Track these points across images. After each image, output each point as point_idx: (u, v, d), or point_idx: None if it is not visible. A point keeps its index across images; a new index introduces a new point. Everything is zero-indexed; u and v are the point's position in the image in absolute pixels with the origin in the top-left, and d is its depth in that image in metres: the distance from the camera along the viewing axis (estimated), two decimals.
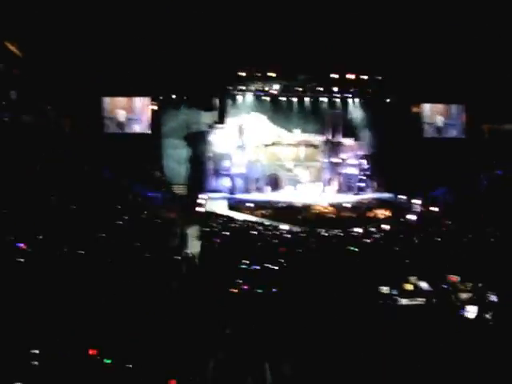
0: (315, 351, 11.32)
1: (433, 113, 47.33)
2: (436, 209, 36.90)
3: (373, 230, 31.76)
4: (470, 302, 15.11)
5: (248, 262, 19.79)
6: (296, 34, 37.50)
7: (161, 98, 44.98)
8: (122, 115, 42.92)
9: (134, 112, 43.33)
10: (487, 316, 14.27)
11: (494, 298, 15.07)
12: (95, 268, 16.48)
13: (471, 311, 14.40)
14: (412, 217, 35.59)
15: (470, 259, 20.24)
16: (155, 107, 44.50)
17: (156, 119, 44.49)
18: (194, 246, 26.37)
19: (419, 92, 43.70)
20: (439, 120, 46.95)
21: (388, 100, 48.06)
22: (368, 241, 27.03)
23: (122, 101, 43.33)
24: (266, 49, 38.39)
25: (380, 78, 45.38)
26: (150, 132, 43.87)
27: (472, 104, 44.65)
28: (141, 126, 43.44)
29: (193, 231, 31.32)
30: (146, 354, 10.54)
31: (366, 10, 37.22)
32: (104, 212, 27.21)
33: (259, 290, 16.24)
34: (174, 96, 45.07)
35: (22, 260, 15.88)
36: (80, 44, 36.09)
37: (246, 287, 16.53)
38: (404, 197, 42.55)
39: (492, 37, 38.17)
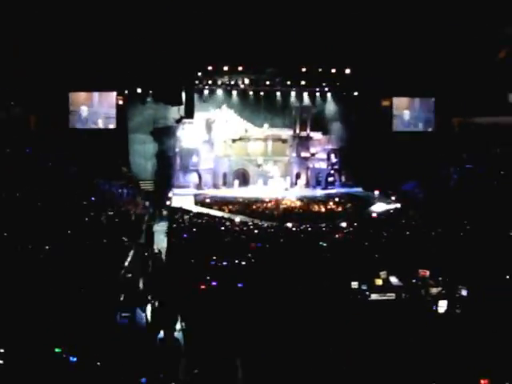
0: (284, 346, 11.08)
1: (402, 106, 47.22)
2: (406, 203, 36.81)
3: (342, 224, 31.62)
4: (441, 296, 15.02)
5: (216, 257, 19.56)
6: (264, 28, 37.09)
7: (127, 92, 44.10)
8: (87, 111, 42.10)
9: (99, 107, 42.53)
10: (457, 310, 14.21)
11: (464, 292, 15.00)
12: (59, 265, 16.20)
13: (441, 305, 14.30)
14: (381, 211, 35.48)
15: (440, 253, 20.18)
16: (121, 102, 43.63)
17: (122, 114, 43.68)
18: (160, 243, 26.09)
19: (388, 85, 43.56)
20: (408, 114, 46.90)
21: (357, 93, 47.81)
22: (337, 235, 26.91)
23: (87, 96, 42.46)
24: (234, 42, 37.91)
25: (349, 71, 45.17)
26: (115, 127, 42.99)
27: (441, 97, 44.67)
28: (107, 122, 42.64)
29: (160, 227, 30.99)
30: (113, 353, 10.28)
31: (335, 4, 36.98)
32: (70, 208, 26.69)
33: (228, 286, 16.06)
34: (140, 90, 44.32)
35: None
36: (44, 40, 35.34)
37: (214, 283, 16.33)
38: (374, 191, 42.53)
39: (460, 31, 38.26)
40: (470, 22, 37.60)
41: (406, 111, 47.07)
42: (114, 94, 43.00)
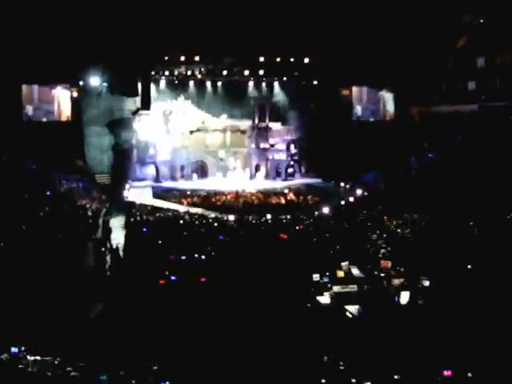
0: (246, 341, 11.18)
1: (361, 96, 47.13)
2: (366, 193, 36.72)
3: (302, 216, 31.42)
4: (403, 287, 14.98)
5: (175, 252, 19.27)
6: (221, 16, 36.66)
7: (81, 84, 43.05)
8: (41, 103, 41.04)
9: (53, 100, 41.50)
10: (419, 301, 14.20)
11: (426, 282, 14.99)
12: (16, 261, 15.92)
13: (404, 297, 14.29)
14: (342, 202, 35.33)
15: (402, 244, 20.15)
16: (75, 94, 42.59)
17: (77, 106, 42.65)
18: (118, 237, 25.58)
19: (347, 75, 43.45)
20: (367, 103, 46.85)
21: (315, 83, 47.57)
22: (298, 227, 26.72)
23: (40, 89, 41.35)
24: (191, 32, 37.36)
25: (308, 60, 44.92)
26: (70, 120, 41.96)
27: (400, 86, 44.71)
28: (61, 114, 41.69)
29: (117, 221, 30.43)
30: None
31: None
32: (25, 203, 26.02)
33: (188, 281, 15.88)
34: (94, 82, 43.37)
35: None
36: None
37: (174, 278, 16.11)
38: (333, 181, 42.43)
39: (419, 20, 38.32)
40: (428, 11, 37.67)
41: (364, 101, 46.99)
42: (68, 86, 41.96)
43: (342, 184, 40.51)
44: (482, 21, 39.35)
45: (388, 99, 46.89)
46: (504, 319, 12.03)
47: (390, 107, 46.79)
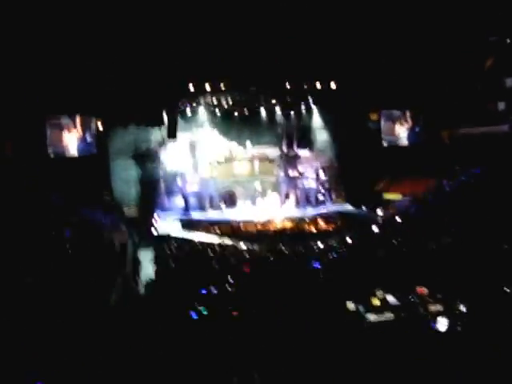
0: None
1: (390, 120, 46.63)
2: (399, 219, 36.25)
3: (335, 243, 31.07)
4: (440, 313, 14.56)
5: (206, 285, 18.95)
6: (246, 45, 36.62)
7: (106, 116, 43.03)
8: (66, 136, 41.04)
9: (78, 132, 41.45)
10: (458, 328, 13.75)
11: (463, 308, 14.55)
12: (45, 297, 15.68)
13: (442, 323, 13.87)
14: (375, 228, 34.86)
15: (438, 269, 19.66)
16: (100, 126, 42.58)
17: (102, 139, 42.52)
18: (147, 271, 25.38)
19: (375, 99, 43.14)
20: (397, 127, 46.37)
21: (344, 108, 47.26)
22: (331, 255, 26.33)
23: (65, 121, 41.28)
24: (216, 61, 37.33)
25: (334, 86, 44.79)
26: (96, 153, 41.86)
27: (429, 109, 44.23)
28: (87, 147, 41.58)
29: (146, 255, 30.24)
30: None
31: (317, 19, 36.58)
32: (52, 238, 25.89)
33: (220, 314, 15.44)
34: (120, 113, 43.40)
35: None
36: (21, 64, 34.64)
37: (205, 312, 15.78)
38: (365, 208, 42.05)
39: (446, 42, 38.04)
40: (455, 33, 37.39)
41: (394, 125, 46.39)
42: (94, 118, 41.85)
43: (373, 210, 40.08)
44: (508, 41, 38.96)
45: (418, 123, 46.33)
46: None
47: (420, 131, 46.22)
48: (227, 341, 12.98)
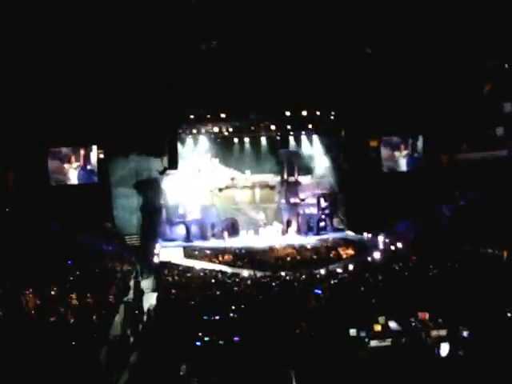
0: None
1: (390, 146, 46.65)
2: (400, 244, 36.25)
3: (337, 270, 31.04)
4: (442, 339, 14.54)
5: (208, 312, 18.96)
6: (245, 73, 36.80)
7: (107, 145, 43.09)
8: (68, 165, 41.10)
9: (80, 162, 41.43)
10: (460, 352, 13.73)
11: (465, 333, 14.53)
12: (50, 326, 15.78)
13: (443, 349, 13.85)
14: (376, 254, 34.84)
15: (439, 294, 19.67)
16: (102, 155, 42.65)
17: (104, 168, 42.58)
18: (149, 299, 25.36)
19: (375, 126, 43.23)
20: (397, 153, 46.40)
21: (343, 135, 47.44)
22: (333, 282, 26.29)
23: (66, 151, 41.38)
24: (216, 89, 37.53)
25: (334, 113, 44.98)
26: (97, 181, 41.90)
27: (428, 134, 44.36)
28: (88, 176, 41.64)
29: (148, 283, 30.24)
30: None
31: (315, 47, 36.79)
32: (55, 267, 25.91)
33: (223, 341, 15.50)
34: (121, 142, 43.50)
35: None
36: (21, 95, 34.85)
37: (208, 339, 15.77)
38: (366, 234, 42.01)
39: (443, 67, 38.24)
40: (453, 58, 37.58)
41: (394, 150, 46.36)
42: (95, 147, 41.90)
43: (375, 236, 40.04)
44: (506, 66, 39.16)
45: (417, 148, 46.37)
46: None
47: (420, 156, 46.24)
48: (230, 367, 12.97)
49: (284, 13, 33.35)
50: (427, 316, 16.25)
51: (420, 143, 46.01)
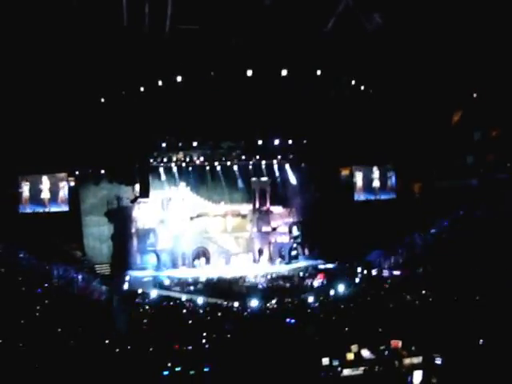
0: None
1: (362, 175, 46.97)
2: (373, 272, 36.28)
3: (309, 299, 30.91)
4: (415, 366, 14.49)
5: (178, 342, 18.73)
6: (217, 102, 36.84)
7: (78, 173, 42.89)
8: (37, 193, 40.69)
9: (50, 190, 41.08)
10: (433, 380, 13.70)
11: (438, 360, 14.49)
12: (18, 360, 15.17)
13: (416, 376, 13.82)
14: (347, 283, 34.79)
15: (412, 323, 19.66)
16: (73, 183, 42.36)
17: (74, 196, 42.32)
18: (120, 328, 24.98)
19: (346, 155, 43.53)
20: (369, 182, 46.70)
21: (315, 164, 47.60)
22: (305, 311, 26.17)
23: (36, 179, 41.01)
24: (187, 118, 37.50)
25: (305, 142, 45.16)
26: (67, 209, 41.58)
27: (400, 163, 44.81)
28: (58, 204, 41.22)
29: (119, 312, 29.83)
30: None
31: (287, 78, 37.02)
32: (23, 298, 25.49)
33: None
34: (91, 170, 43.27)
35: None
36: None
37: (178, 368, 15.53)
38: (338, 263, 41.99)
39: (413, 97, 38.72)
40: (423, 89, 38.05)
41: (365, 179, 46.68)
42: (65, 175, 41.59)
43: (347, 264, 40.03)
44: (475, 95, 39.69)
45: (389, 177, 46.73)
46: None
47: (391, 185, 46.61)
48: None
49: (255, 41, 33.62)
50: (400, 344, 16.21)
51: (391, 172, 46.43)
